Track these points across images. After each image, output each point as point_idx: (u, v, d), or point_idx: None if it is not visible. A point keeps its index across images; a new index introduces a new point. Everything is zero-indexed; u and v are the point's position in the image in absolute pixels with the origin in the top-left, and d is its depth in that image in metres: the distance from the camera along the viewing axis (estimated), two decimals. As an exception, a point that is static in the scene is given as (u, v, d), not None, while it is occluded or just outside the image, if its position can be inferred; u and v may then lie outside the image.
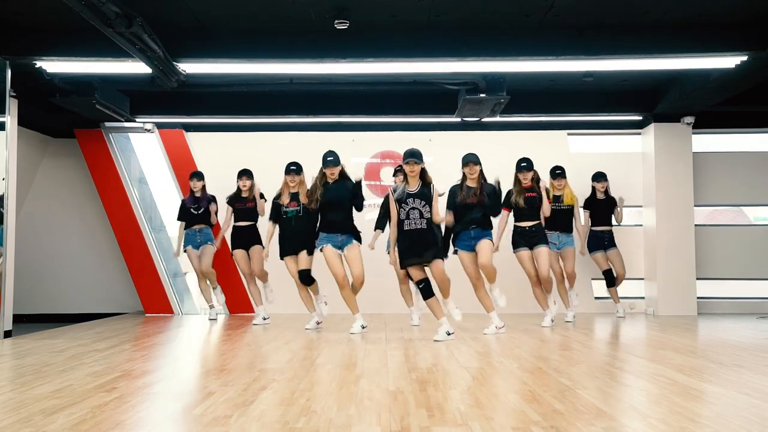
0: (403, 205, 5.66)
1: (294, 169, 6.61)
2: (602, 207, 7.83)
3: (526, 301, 7.43)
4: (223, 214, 7.58)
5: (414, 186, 5.66)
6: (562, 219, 7.26)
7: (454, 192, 6.11)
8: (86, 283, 8.75)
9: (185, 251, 7.70)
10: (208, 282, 7.74)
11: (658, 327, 6.90)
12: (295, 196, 6.58)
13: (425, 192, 5.64)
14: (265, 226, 6.95)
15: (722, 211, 9.44)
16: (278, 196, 6.73)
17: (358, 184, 6.25)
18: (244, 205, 7.36)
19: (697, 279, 8.31)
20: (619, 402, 3.38)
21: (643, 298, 8.62)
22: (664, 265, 8.23)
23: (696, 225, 8.41)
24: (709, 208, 9.02)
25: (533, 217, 6.72)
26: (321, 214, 6.28)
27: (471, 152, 6.16)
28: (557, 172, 7.32)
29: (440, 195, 5.74)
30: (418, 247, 5.61)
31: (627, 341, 6.01)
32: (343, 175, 6.25)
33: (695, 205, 8.41)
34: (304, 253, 6.51)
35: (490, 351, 5.06)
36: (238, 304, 8.41)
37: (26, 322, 7.73)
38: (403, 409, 3.10)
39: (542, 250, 6.64)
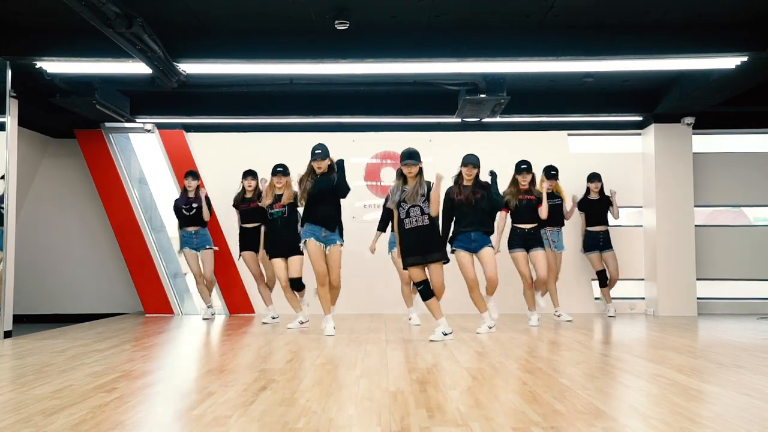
0: (402, 204, 5.63)
1: (281, 170, 6.71)
2: (597, 207, 7.86)
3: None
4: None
5: (412, 185, 5.64)
6: (558, 214, 7.36)
7: (449, 192, 6.12)
8: (86, 284, 8.75)
9: (182, 252, 7.68)
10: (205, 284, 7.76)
11: (658, 327, 6.90)
12: (279, 198, 6.68)
13: (424, 190, 5.62)
14: None
15: (722, 211, 9.44)
16: (259, 198, 6.99)
17: (340, 164, 6.04)
18: (248, 206, 7.36)
19: (697, 279, 8.31)
20: (619, 402, 3.38)
21: (643, 298, 8.62)
22: (664, 266, 8.23)
23: (696, 225, 8.42)
24: (709, 208, 9.03)
25: (532, 219, 6.82)
26: (307, 206, 6.11)
27: (473, 154, 6.18)
28: (552, 173, 7.33)
29: (442, 178, 5.56)
30: (421, 247, 5.58)
31: (627, 341, 6.01)
32: (332, 168, 6.08)
33: (695, 206, 8.42)
34: (296, 259, 6.54)
35: (489, 351, 5.06)
36: (238, 304, 8.41)
37: (26, 322, 7.73)
38: (403, 410, 3.10)
39: (539, 253, 6.78)
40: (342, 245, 6.11)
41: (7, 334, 6.20)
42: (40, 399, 3.36)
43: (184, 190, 7.72)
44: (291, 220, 6.61)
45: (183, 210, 7.65)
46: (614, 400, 3.45)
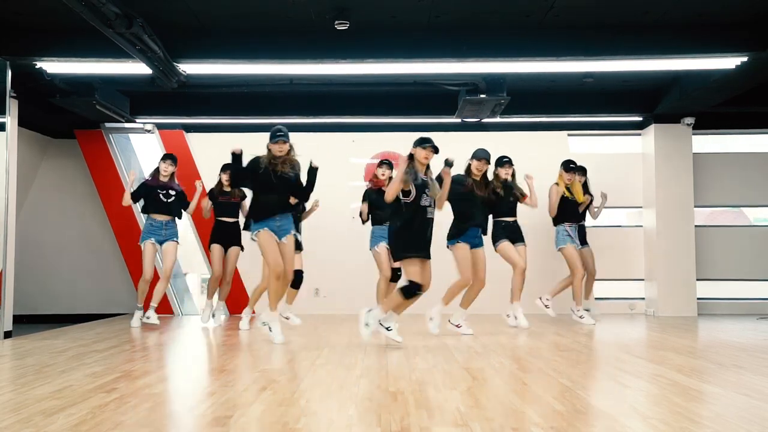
0: (426, 192, 5.21)
1: None
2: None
3: (524, 301, 7.40)
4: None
5: (424, 175, 5.29)
6: (575, 211, 7.26)
7: (461, 181, 6.04)
8: (86, 284, 8.75)
9: (142, 244, 6.85)
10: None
11: (658, 328, 6.90)
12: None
13: (433, 183, 5.35)
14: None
15: (722, 212, 9.45)
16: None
17: (315, 171, 5.81)
18: (228, 199, 7.07)
19: (697, 280, 8.32)
20: (619, 402, 3.38)
21: (643, 298, 8.62)
22: (664, 266, 8.23)
23: (696, 226, 8.42)
24: (709, 209, 9.04)
25: (513, 213, 6.84)
26: (258, 195, 5.62)
27: (485, 149, 6.28)
28: (570, 166, 7.19)
29: (451, 166, 5.41)
30: (427, 241, 5.27)
31: (627, 342, 6.00)
32: (291, 155, 5.65)
33: (695, 206, 8.42)
34: (298, 253, 6.45)
35: (489, 351, 5.06)
36: (239, 303, 8.40)
37: (26, 322, 7.74)
38: (403, 410, 3.09)
39: (522, 248, 6.81)
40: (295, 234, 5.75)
41: (7, 335, 6.21)
42: (40, 399, 3.36)
43: (157, 171, 7.00)
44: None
45: (159, 195, 6.87)
46: (614, 400, 3.45)
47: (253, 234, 5.55)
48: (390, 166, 6.84)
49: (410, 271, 5.18)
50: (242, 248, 7.18)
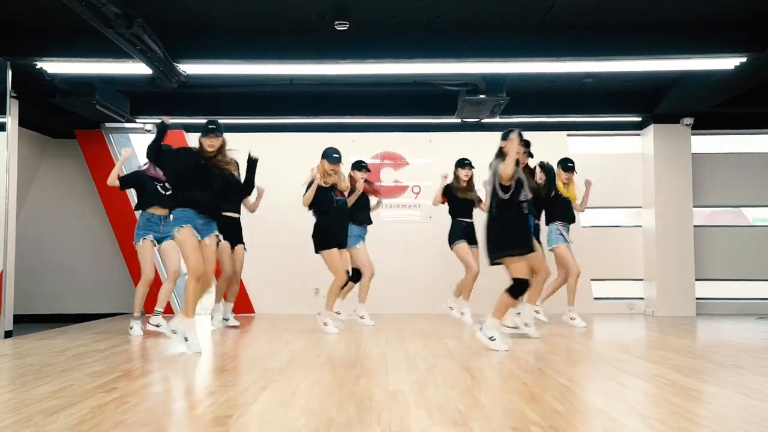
0: (523, 191, 5.09)
1: (337, 156, 6.35)
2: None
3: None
4: None
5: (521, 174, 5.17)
6: (569, 210, 7.12)
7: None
8: (86, 284, 8.75)
9: (139, 242, 6.25)
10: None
11: (657, 327, 6.90)
12: (334, 186, 6.44)
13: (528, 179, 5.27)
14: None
15: (721, 212, 9.44)
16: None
17: (254, 162, 5.67)
18: None
19: (696, 280, 8.32)
20: (618, 402, 3.38)
21: (642, 298, 8.62)
22: (663, 266, 8.24)
23: (695, 226, 8.43)
24: (708, 209, 9.03)
25: (471, 214, 6.96)
26: (183, 189, 5.18)
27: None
28: (569, 165, 7.08)
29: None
30: (528, 237, 5.17)
31: (626, 342, 6.01)
32: (222, 151, 5.27)
33: (694, 206, 8.43)
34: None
35: (489, 351, 5.06)
36: (238, 304, 8.39)
37: (27, 322, 7.73)
38: (402, 409, 3.10)
39: (477, 251, 6.85)
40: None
41: (8, 334, 6.21)
42: (40, 399, 3.36)
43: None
44: (346, 210, 6.53)
45: (158, 186, 6.28)
46: (613, 399, 3.45)
47: (174, 230, 5.13)
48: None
49: (515, 268, 4.99)
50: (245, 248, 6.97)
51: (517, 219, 5.06)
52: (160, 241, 6.31)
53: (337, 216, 6.34)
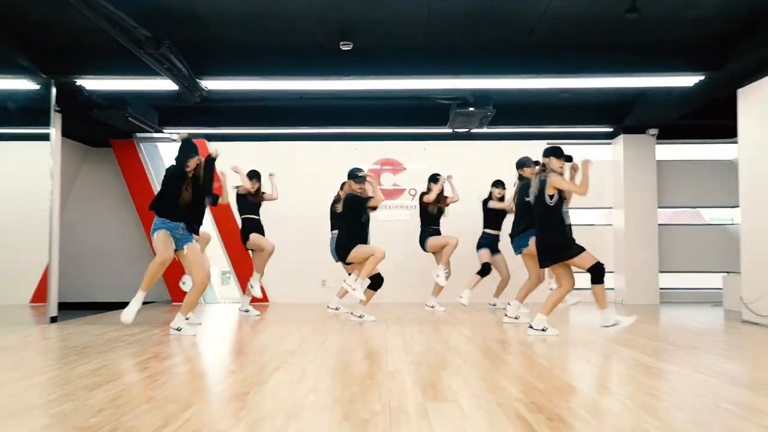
0: (565, 201, 5.01)
1: (362, 176, 5.99)
2: (496, 212, 7.05)
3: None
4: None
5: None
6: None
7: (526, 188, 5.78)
8: (121, 275, 8.75)
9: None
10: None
11: (626, 314, 6.88)
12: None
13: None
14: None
15: (682, 212, 9.47)
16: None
17: (211, 161, 5.22)
18: (257, 200, 6.86)
19: (660, 272, 8.35)
20: (591, 380, 3.40)
21: (612, 288, 8.63)
22: (631, 260, 8.25)
23: (659, 224, 8.45)
24: (670, 209, 9.05)
25: (439, 221, 7.14)
26: (169, 199, 5.11)
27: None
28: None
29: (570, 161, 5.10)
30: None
31: (598, 327, 6.01)
32: (197, 168, 5.17)
33: (658, 207, 8.45)
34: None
35: (477, 336, 5.07)
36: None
37: (70, 309, 7.74)
38: (400, 388, 3.11)
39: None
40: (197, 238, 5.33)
41: (53, 320, 6.22)
42: (82, 376, 3.38)
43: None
44: (368, 227, 6.10)
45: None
46: (587, 378, 3.47)
47: (153, 234, 5.10)
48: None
49: (584, 262, 4.94)
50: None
51: (564, 224, 4.97)
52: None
53: (361, 230, 5.98)
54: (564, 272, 5.08)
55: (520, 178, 6.39)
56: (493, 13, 5.12)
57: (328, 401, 2.83)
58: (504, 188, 7.12)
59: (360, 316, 6.18)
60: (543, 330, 5.13)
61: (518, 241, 6.11)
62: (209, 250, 7.83)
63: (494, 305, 7.39)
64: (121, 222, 8.84)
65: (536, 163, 6.22)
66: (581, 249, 4.96)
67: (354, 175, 5.97)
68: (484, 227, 7.14)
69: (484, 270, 7.03)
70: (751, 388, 3.12)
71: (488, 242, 7.10)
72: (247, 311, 6.91)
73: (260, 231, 6.81)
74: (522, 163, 6.42)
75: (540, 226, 5.10)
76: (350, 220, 5.97)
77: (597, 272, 4.95)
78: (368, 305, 6.33)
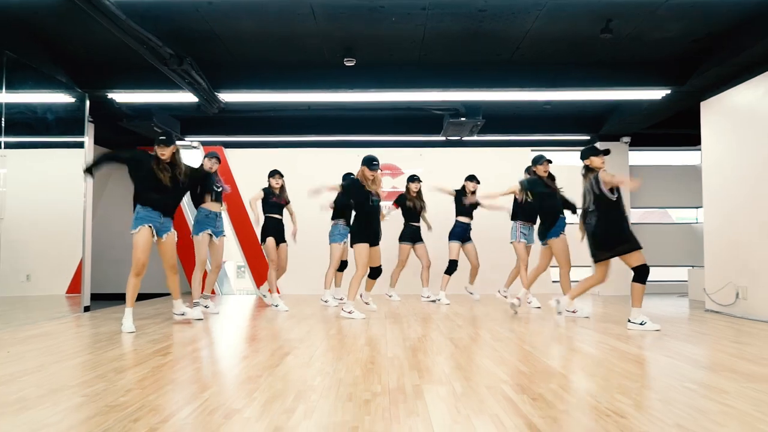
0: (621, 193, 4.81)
1: (376, 163, 5.49)
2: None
3: (498, 283, 7.42)
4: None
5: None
6: (532, 212, 6.86)
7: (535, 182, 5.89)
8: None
9: (198, 236, 5.90)
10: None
11: (602, 304, 6.90)
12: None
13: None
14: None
15: (652, 212, 9.47)
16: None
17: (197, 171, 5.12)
18: (279, 200, 6.49)
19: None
20: (571, 364, 3.39)
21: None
22: (606, 255, 8.23)
23: (632, 223, 8.42)
24: (642, 209, 9.06)
25: (418, 219, 7.06)
26: (144, 191, 4.90)
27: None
28: (414, 178, 7.03)
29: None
30: None
31: (576, 316, 6.00)
32: (175, 160, 4.96)
33: (631, 207, 8.44)
34: (378, 249, 5.57)
35: (467, 324, 5.06)
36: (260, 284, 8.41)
37: (102, 299, 7.74)
38: (399, 371, 3.10)
39: (421, 245, 7.05)
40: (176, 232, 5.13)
41: (86, 309, 6.22)
42: (112, 360, 3.37)
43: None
44: (379, 210, 5.66)
45: (214, 185, 5.90)
46: (567, 362, 3.46)
47: (133, 230, 4.86)
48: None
49: (634, 259, 4.76)
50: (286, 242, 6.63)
51: (625, 216, 4.75)
52: (216, 235, 5.92)
53: (372, 214, 5.51)
54: (604, 267, 4.94)
55: (532, 173, 6.18)
56: (482, 33, 5.11)
57: (333, 383, 2.82)
58: (477, 183, 7.00)
59: (349, 312, 5.62)
60: (573, 312, 5.21)
61: (554, 229, 5.96)
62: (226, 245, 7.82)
63: (471, 293, 7.28)
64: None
65: (549, 161, 6.10)
66: (637, 247, 4.71)
67: (369, 162, 5.42)
68: (457, 215, 7.02)
69: (451, 268, 6.96)
70: (713, 370, 3.12)
71: (460, 231, 6.94)
72: (276, 305, 6.41)
73: (279, 232, 6.43)
74: (536, 161, 6.20)
75: (601, 220, 4.80)
76: (356, 207, 5.52)
77: (642, 272, 4.73)
78: (371, 293, 6.31)
